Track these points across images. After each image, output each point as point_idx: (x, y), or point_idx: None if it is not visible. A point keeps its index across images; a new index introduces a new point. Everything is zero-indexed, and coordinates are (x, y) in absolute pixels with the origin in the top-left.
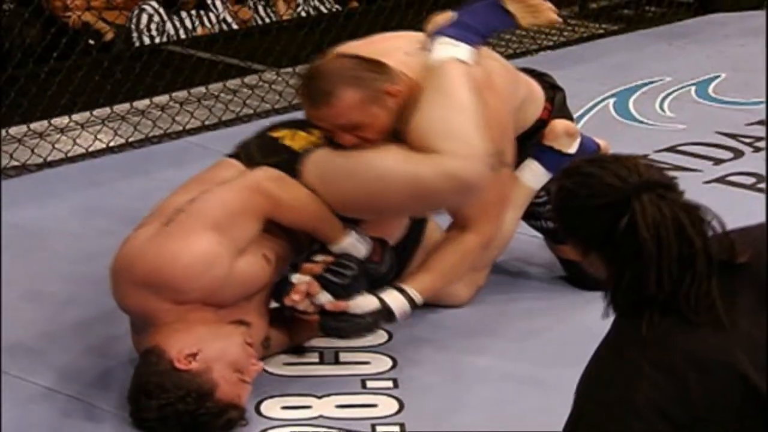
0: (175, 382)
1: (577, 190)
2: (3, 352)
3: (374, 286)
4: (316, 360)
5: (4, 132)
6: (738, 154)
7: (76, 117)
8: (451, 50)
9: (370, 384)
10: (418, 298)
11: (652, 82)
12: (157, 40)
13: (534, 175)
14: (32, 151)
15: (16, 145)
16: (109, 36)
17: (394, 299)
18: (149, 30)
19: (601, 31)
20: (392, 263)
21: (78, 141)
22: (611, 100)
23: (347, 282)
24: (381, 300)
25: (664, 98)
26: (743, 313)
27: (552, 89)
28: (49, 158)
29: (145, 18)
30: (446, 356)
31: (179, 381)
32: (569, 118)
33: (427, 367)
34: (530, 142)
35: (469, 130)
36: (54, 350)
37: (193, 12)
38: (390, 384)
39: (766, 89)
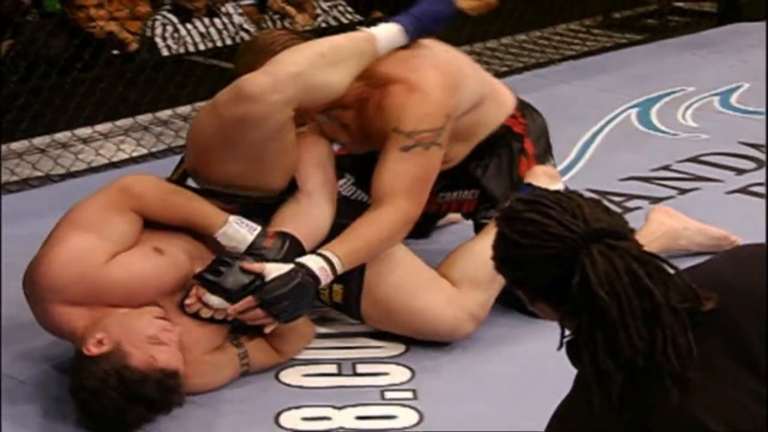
0: (92, 369)
1: (518, 239)
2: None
3: None
4: (334, 371)
5: (27, 142)
6: (760, 164)
7: (99, 127)
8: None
9: (389, 395)
10: (334, 259)
11: (674, 92)
12: (174, 49)
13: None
14: (55, 161)
15: (40, 155)
16: (133, 46)
17: (308, 258)
18: (164, 39)
19: (625, 41)
20: (285, 251)
21: (101, 151)
22: (634, 110)
23: (220, 278)
24: (295, 262)
25: (686, 108)
26: (718, 369)
27: (530, 108)
28: (73, 168)
29: (159, 27)
30: (464, 366)
31: (94, 366)
32: (547, 146)
33: (446, 378)
34: (493, 150)
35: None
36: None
37: (206, 20)
38: (409, 395)
39: (766, 102)
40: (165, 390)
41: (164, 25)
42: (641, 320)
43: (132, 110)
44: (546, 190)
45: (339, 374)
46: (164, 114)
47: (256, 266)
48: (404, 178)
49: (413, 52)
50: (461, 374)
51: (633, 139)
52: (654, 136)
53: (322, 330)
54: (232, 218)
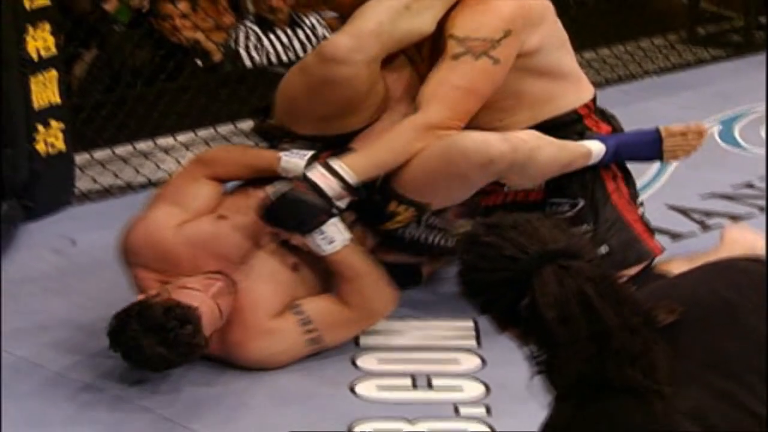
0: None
1: (476, 263)
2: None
3: None
4: (409, 384)
5: (110, 151)
6: None
7: (181, 137)
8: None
9: (463, 410)
10: (341, 167)
11: (758, 109)
12: (257, 60)
13: (597, 147)
14: (137, 170)
15: (122, 164)
16: (217, 57)
17: (309, 168)
18: (248, 49)
19: (709, 57)
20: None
21: (182, 161)
22: (716, 127)
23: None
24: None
25: None
26: (687, 378)
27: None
28: (154, 178)
29: (242, 37)
30: (539, 383)
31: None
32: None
33: (520, 395)
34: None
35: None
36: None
37: (288, 30)
38: (483, 411)
39: (765, 124)
40: (175, 318)
41: (247, 36)
42: (590, 342)
43: (214, 120)
44: (510, 213)
45: (413, 388)
46: (245, 124)
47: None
48: (444, 85)
49: None
50: (536, 391)
51: (715, 155)
52: (737, 153)
53: (398, 342)
54: (283, 154)
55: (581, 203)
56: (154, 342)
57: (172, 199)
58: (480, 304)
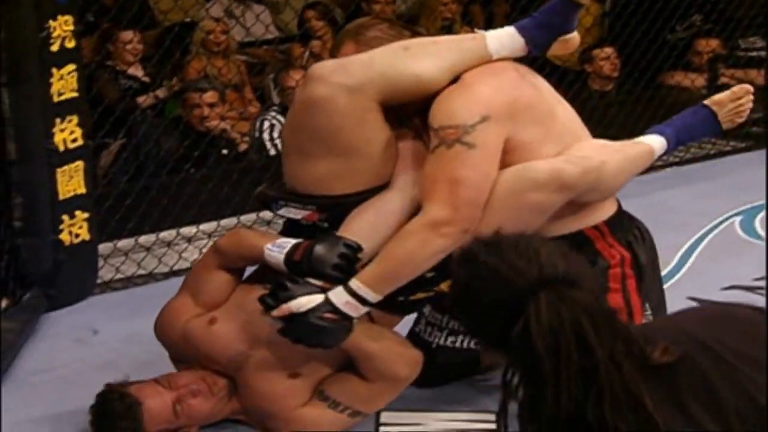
0: None
1: (470, 282)
2: None
3: None
4: None
5: (132, 240)
6: None
7: (204, 227)
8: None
9: None
10: (359, 288)
11: None
12: (281, 148)
13: (657, 141)
14: (159, 260)
15: (144, 253)
16: (243, 146)
17: (334, 293)
18: (272, 139)
19: (729, 149)
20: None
21: (204, 250)
22: (737, 218)
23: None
24: (326, 296)
25: None
26: (690, 414)
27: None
28: (176, 267)
29: (267, 127)
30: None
31: None
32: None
33: None
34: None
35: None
36: None
37: None
38: None
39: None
40: (116, 408)
41: (272, 126)
42: (577, 377)
43: (237, 210)
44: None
45: None
46: (268, 214)
47: (284, 308)
48: (427, 181)
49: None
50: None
51: (736, 247)
52: (758, 245)
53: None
54: (267, 246)
55: None
56: (96, 426)
57: (191, 288)
58: (468, 324)
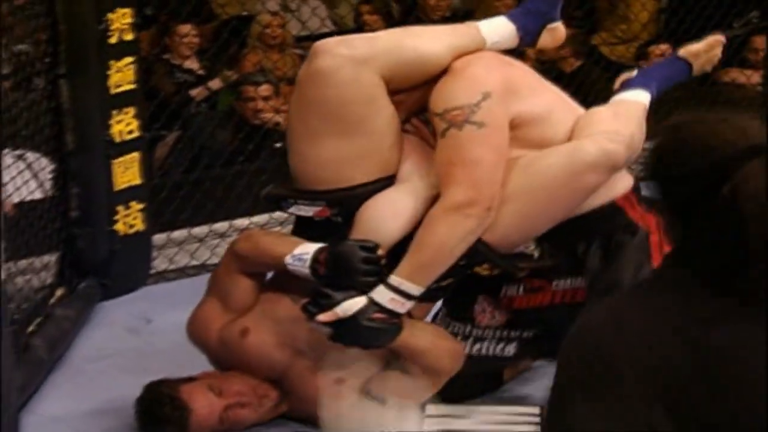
0: None
1: (677, 149)
2: None
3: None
4: None
5: (186, 232)
6: None
7: (256, 218)
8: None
9: None
10: (401, 284)
11: None
12: None
13: (646, 98)
14: (212, 251)
15: (198, 244)
16: None
17: (377, 292)
18: None
19: None
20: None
21: None
22: None
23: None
24: (368, 297)
25: None
26: None
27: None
28: None
29: None
30: None
31: None
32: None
33: None
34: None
35: None
36: None
37: None
38: None
39: None
40: (166, 412)
41: None
42: None
43: None
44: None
45: None
46: None
47: (330, 314)
48: (443, 166)
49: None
50: None
51: None
52: None
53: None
54: (286, 260)
55: None
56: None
57: (217, 293)
58: (665, 189)
